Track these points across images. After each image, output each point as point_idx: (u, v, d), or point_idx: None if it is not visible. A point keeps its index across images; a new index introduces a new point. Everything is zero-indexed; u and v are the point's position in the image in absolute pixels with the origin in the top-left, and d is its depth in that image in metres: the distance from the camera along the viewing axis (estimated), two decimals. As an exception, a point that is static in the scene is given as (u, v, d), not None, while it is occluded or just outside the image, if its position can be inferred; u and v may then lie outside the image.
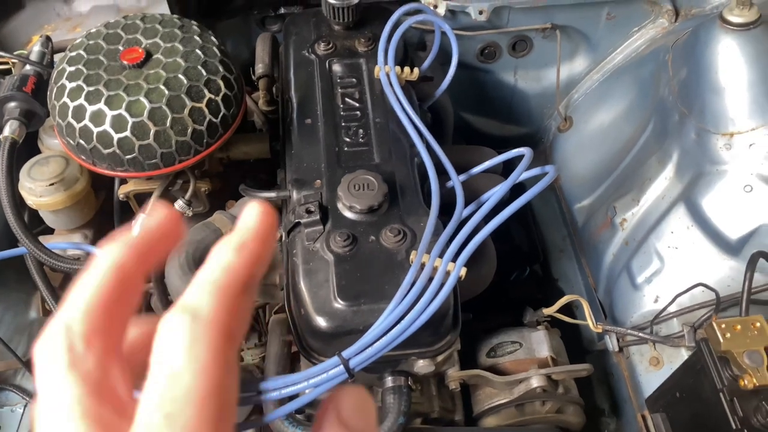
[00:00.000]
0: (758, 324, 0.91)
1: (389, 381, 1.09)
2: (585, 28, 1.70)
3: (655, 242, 1.34)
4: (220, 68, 1.10)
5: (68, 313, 0.31)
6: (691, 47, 1.37)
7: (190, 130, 1.06)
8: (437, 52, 1.40)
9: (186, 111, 1.05)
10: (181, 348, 0.28)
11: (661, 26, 1.66)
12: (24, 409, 1.23)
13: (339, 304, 0.98)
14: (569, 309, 1.48)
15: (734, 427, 0.92)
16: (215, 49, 1.12)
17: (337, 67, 1.33)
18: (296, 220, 1.08)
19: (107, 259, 0.32)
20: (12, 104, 1.12)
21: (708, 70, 1.30)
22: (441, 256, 1.00)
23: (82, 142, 1.04)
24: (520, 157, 1.16)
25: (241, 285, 0.32)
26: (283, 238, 1.17)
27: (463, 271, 0.98)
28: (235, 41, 1.70)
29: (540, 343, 1.25)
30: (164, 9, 1.51)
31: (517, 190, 1.14)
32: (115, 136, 1.02)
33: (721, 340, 0.91)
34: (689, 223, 1.31)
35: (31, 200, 1.20)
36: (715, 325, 0.92)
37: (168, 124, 1.04)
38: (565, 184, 1.77)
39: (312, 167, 1.17)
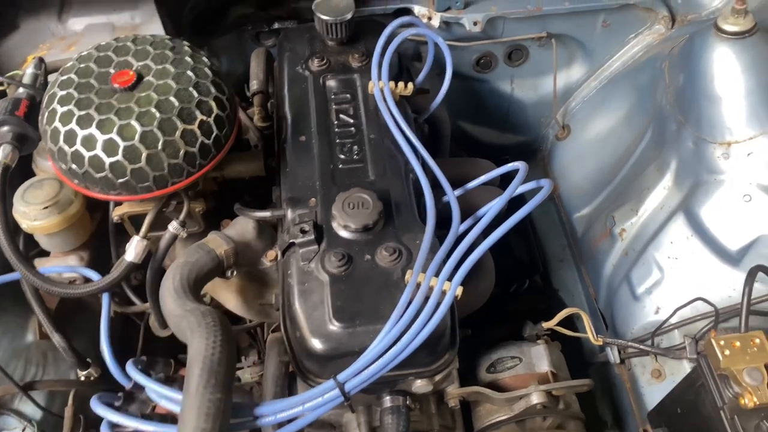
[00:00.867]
0: (757, 340, 0.90)
1: (387, 401, 1.08)
2: (581, 36, 1.69)
3: (654, 253, 1.33)
4: (212, 89, 1.10)
5: None
6: (686, 55, 1.37)
7: (182, 152, 1.05)
8: (432, 64, 1.39)
9: (178, 134, 1.04)
10: None
11: (657, 32, 1.65)
12: (22, 433, 1.23)
13: (334, 326, 0.98)
14: (570, 320, 1.46)
15: (736, 444, 0.91)
16: (207, 69, 1.11)
17: (331, 83, 1.33)
18: (291, 240, 1.07)
19: None
20: (4, 128, 1.12)
21: (703, 79, 1.29)
22: (437, 274, 0.99)
23: (74, 166, 1.04)
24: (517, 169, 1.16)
25: None
26: (279, 258, 1.16)
27: (459, 290, 0.97)
28: (230, 57, 1.70)
29: (540, 357, 1.24)
30: (159, 26, 1.51)
31: (516, 201, 1.13)
32: (107, 161, 1.02)
33: (721, 357, 0.90)
34: (689, 233, 1.30)
35: (25, 224, 1.20)
36: (713, 342, 0.91)
37: (160, 146, 1.03)
38: (564, 192, 1.76)
39: (306, 185, 1.16)
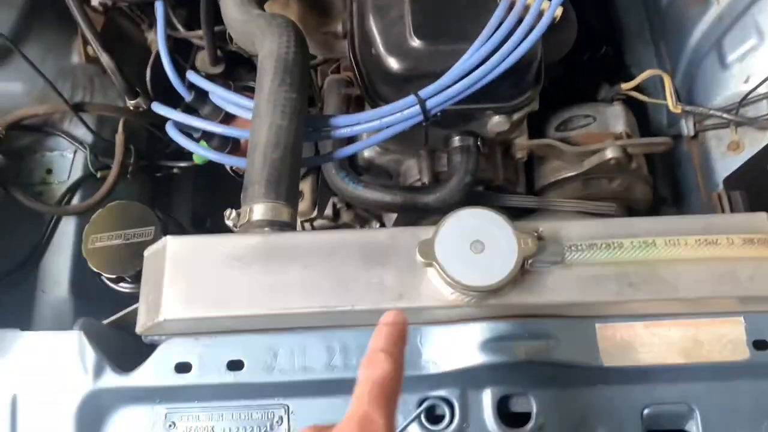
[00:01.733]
0: None
1: (457, 141, 1.02)
2: None
3: (757, 15, 1.19)
4: None
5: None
6: None
7: None
8: None
9: None
10: None
11: None
12: (74, 155, 1.20)
13: (415, 43, 0.89)
14: (642, 92, 1.37)
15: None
16: None
17: None
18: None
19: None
20: None
21: None
22: (532, -6, 0.88)
23: None
24: None
25: (397, 390, 0.47)
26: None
27: (559, 11, 0.87)
28: None
29: (616, 117, 1.17)
30: None
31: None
32: None
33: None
34: (800, -5, 1.15)
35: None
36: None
37: None
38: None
39: None
